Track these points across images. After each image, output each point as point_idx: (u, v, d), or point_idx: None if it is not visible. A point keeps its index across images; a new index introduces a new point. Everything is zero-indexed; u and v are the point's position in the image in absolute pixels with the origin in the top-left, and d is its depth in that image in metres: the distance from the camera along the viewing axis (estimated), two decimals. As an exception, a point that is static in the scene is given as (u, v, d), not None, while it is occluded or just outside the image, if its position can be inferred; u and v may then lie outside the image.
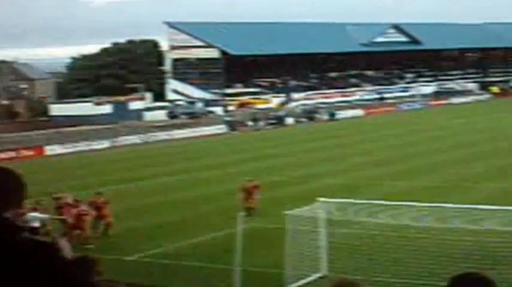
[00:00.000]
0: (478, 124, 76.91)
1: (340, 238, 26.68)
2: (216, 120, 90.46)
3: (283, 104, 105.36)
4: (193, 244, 30.46)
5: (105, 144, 73.90)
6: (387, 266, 24.72)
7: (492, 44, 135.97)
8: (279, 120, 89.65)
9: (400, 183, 42.87)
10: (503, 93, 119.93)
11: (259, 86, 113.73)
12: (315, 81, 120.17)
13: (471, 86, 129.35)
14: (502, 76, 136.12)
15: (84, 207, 31.73)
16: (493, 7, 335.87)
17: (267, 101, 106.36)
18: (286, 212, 25.79)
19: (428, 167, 48.46)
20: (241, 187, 36.69)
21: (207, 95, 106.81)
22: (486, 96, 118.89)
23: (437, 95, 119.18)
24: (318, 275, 24.39)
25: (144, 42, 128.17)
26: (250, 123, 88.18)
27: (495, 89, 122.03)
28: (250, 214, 33.63)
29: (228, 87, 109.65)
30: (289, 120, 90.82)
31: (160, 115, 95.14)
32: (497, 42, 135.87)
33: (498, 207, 26.95)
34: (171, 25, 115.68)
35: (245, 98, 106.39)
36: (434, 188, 40.64)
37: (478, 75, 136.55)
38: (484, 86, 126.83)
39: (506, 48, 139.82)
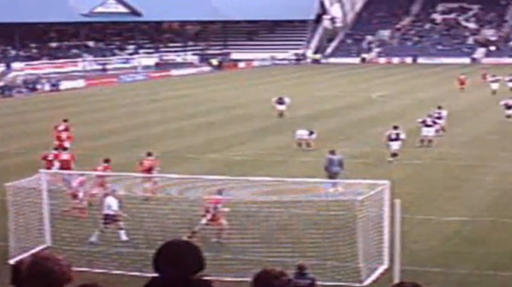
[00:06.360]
0: (198, 96, 78.97)
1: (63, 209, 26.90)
2: None
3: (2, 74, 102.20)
4: None
5: None
6: (116, 236, 25.33)
7: (210, 17, 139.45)
8: (3, 91, 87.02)
9: (121, 155, 43.30)
10: (221, 66, 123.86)
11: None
12: (35, 51, 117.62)
13: (192, 58, 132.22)
14: (221, 49, 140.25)
15: None
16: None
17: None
18: (7, 183, 25.58)
19: (151, 139, 49.27)
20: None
21: None
22: (207, 68, 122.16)
23: (158, 66, 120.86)
24: (42, 246, 24.43)
25: None
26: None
27: (214, 61, 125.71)
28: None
29: None
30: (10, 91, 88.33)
31: None
32: (215, 15, 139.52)
33: (221, 177, 28.38)
34: None
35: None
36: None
37: (198, 48, 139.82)
38: (204, 59, 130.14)
39: (224, 22, 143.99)
